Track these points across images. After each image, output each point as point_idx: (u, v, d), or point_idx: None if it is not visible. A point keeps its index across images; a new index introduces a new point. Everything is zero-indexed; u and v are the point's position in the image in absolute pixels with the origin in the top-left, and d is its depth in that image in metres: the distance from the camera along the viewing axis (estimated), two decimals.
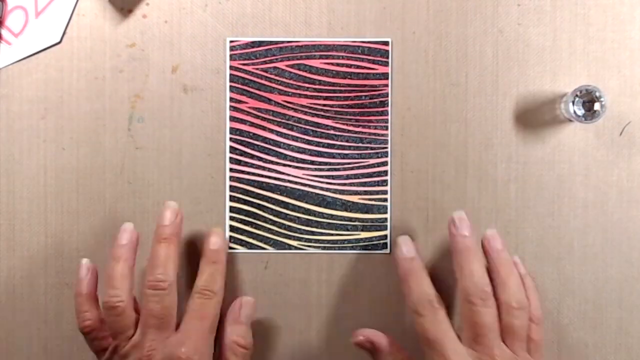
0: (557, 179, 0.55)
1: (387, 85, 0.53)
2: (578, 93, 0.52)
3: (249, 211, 0.55)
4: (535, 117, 0.55)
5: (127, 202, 0.56)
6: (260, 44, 0.53)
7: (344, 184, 0.54)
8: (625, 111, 0.55)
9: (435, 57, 0.55)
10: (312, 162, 0.54)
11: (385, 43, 0.53)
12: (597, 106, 0.51)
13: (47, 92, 0.56)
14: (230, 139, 0.53)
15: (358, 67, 0.53)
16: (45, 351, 0.56)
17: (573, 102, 0.52)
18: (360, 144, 0.54)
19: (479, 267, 0.48)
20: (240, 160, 0.54)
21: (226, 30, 0.56)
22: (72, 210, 0.56)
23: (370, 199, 0.54)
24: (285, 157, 0.53)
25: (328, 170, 0.54)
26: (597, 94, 0.51)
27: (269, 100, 0.53)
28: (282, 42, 0.53)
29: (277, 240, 0.55)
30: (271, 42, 0.53)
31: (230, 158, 0.54)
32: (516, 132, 0.55)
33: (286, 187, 0.54)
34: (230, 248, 0.55)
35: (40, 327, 0.56)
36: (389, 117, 0.55)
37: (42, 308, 0.56)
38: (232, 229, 0.55)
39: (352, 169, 0.54)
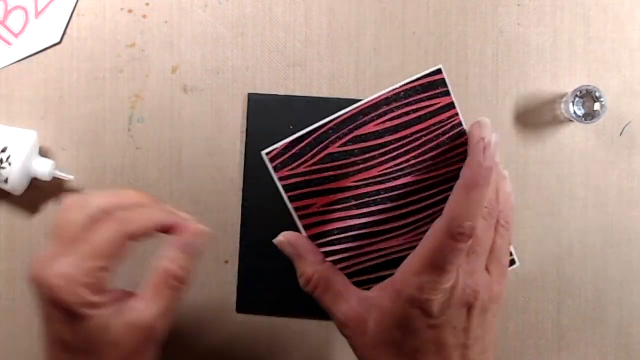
0: (557, 179, 0.55)
1: (457, 114, 0.46)
2: (578, 93, 0.52)
3: None
4: (535, 117, 0.55)
5: None
6: (299, 140, 0.45)
7: None
8: (625, 111, 0.55)
9: (435, 57, 0.55)
10: (405, 225, 0.46)
11: (438, 72, 0.45)
12: (597, 106, 0.51)
13: (47, 92, 0.56)
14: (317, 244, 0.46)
15: (418, 109, 0.45)
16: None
17: (573, 102, 0.52)
18: (443, 186, 0.46)
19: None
20: (333, 262, 0.46)
21: (226, 30, 0.56)
22: None
23: None
24: (377, 233, 0.46)
25: (423, 225, 0.46)
26: (597, 94, 0.51)
27: (338, 190, 0.46)
28: (321, 126, 0.45)
29: None
30: (310, 133, 0.45)
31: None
32: (516, 132, 0.55)
33: (392, 259, 0.47)
34: None
35: (40, 327, 0.56)
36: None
37: None
38: None
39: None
